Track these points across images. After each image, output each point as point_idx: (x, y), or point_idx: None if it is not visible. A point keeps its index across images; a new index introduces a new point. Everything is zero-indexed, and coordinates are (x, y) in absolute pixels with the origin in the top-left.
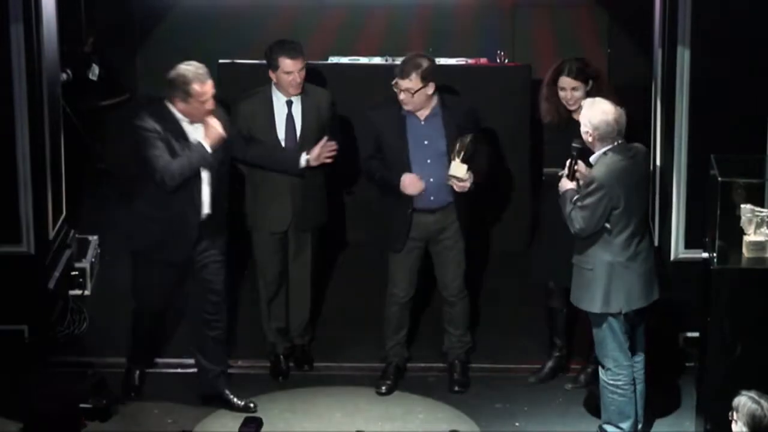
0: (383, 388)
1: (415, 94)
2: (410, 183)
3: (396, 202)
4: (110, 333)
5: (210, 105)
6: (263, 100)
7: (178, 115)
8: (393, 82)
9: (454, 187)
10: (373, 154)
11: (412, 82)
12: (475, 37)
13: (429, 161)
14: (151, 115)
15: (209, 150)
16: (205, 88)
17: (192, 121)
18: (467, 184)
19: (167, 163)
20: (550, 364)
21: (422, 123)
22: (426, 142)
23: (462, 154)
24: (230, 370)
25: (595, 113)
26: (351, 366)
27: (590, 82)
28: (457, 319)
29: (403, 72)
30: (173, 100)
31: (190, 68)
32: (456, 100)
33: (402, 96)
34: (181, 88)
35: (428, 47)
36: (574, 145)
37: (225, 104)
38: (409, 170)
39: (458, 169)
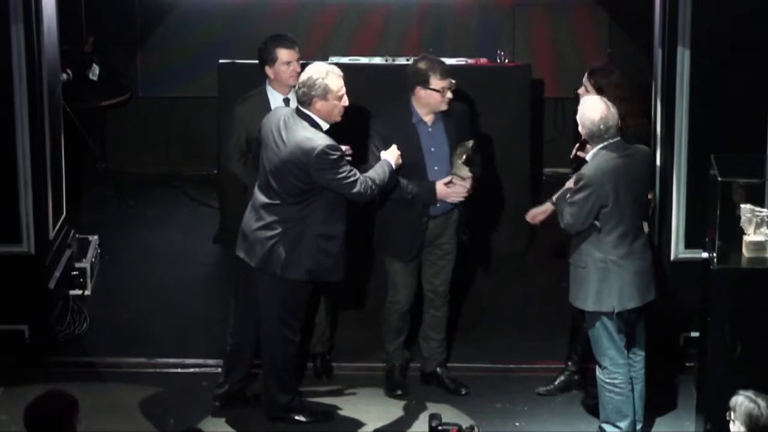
0: (399, 391)
1: None
2: (447, 193)
3: (408, 211)
4: (110, 333)
5: (345, 101)
6: (260, 102)
7: (317, 119)
8: (448, 84)
9: (450, 198)
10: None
11: (453, 80)
12: (475, 37)
13: (436, 168)
14: (317, 130)
15: (394, 167)
16: (340, 82)
17: (327, 121)
18: (467, 185)
19: (361, 178)
20: (561, 378)
21: (429, 130)
22: (433, 149)
23: (464, 157)
24: None
25: (583, 111)
26: (351, 366)
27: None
28: (441, 323)
29: (450, 71)
30: (312, 103)
31: (321, 67)
32: (454, 104)
33: (450, 94)
34: (321, 87)
35: (428, 47)
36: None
37: (225, 104)
38: (426, 178)
39: (461, 169)
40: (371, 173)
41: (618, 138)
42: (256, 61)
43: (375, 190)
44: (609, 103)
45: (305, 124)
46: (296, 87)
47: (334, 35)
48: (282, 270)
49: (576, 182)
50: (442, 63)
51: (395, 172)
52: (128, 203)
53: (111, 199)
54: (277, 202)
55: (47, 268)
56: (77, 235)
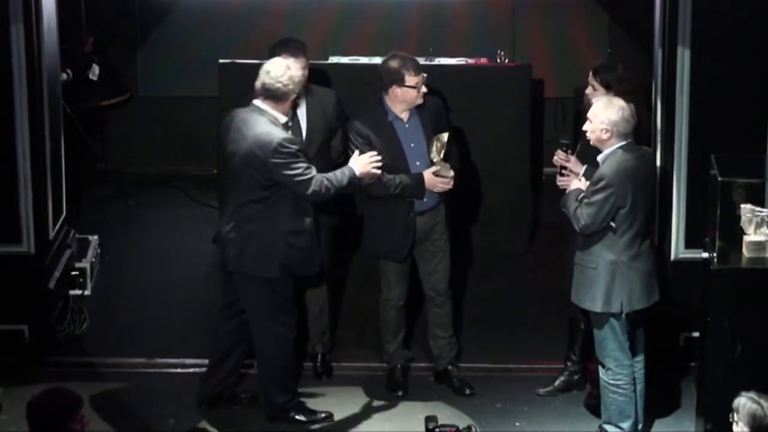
0: (399, 391)
1: None
2: (435, 182)
3: (394, 209)
4: (110, 333)
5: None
6: None
7: (276, 114)
8: (421, 79)
9: (437, 187)
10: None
11: (425, 74)
12: (475, 37)
13: (418, 163)
14: (274, 125)
15: (358, 174)
16: (298, 73)
17: (285, 114)
18: (452, 183)
19: (317, 177)
20: (561, 378)
21: (406, 126)
22: (412, 145)
23: (442, 151)
24: None
25: (614, 110)
26: (351, 366)
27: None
28: (446, 321)
29: (421, 66)
30: (270, 97)
31: (279, 62)
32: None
33: (425, 89)
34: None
35: (428, 47)
36: (561, 141)
37: (225, 104)
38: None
39: (444, 168)
40: (330, 174)
41: (631, 139)
42: (256, 61)
43: (331, 191)
44: (622, 102)
45: (263, 119)
46: (256, 81)
47: (334, 35)
48: (255, 270)
49: (595, 183)
50: (414, 59)
51: (358, 180)
52: (128, 203)
53: (111, 199)
54: (243, 201)
55: (47, 268)
56: (77, 235)
